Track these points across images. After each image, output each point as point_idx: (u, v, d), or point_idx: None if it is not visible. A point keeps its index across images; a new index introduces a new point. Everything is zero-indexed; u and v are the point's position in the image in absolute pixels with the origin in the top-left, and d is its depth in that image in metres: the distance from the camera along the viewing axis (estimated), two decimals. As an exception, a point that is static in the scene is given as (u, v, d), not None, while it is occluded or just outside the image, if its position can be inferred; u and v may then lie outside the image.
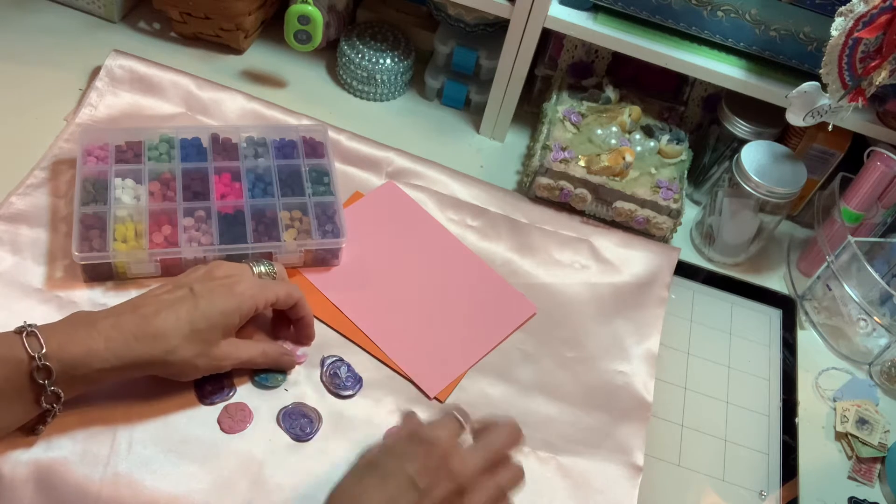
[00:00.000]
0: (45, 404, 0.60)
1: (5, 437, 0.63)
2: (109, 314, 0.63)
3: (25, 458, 0.63)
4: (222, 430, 0.69)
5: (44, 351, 0.59)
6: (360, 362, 0.76)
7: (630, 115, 0.93)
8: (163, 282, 0.69)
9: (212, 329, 0.65)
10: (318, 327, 0.76)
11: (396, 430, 0.63)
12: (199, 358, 0.65)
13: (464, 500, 0.55)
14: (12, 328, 0.60)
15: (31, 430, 0.64)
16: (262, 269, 0.72)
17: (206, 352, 0.65)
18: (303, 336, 0.75)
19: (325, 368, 0.74)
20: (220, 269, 0.69)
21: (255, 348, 0.71)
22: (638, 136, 0.93)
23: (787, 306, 0.93)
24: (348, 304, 0.80)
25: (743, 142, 0.90)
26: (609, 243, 0.90)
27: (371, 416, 0.72)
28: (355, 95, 1.02)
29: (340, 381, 0.74)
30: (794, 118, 0.82)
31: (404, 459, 0.55)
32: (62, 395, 0.61)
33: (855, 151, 0.91)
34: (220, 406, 0.70)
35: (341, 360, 0.75)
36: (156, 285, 0.69)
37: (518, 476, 0.59)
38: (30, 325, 0.60)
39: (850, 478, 0.80)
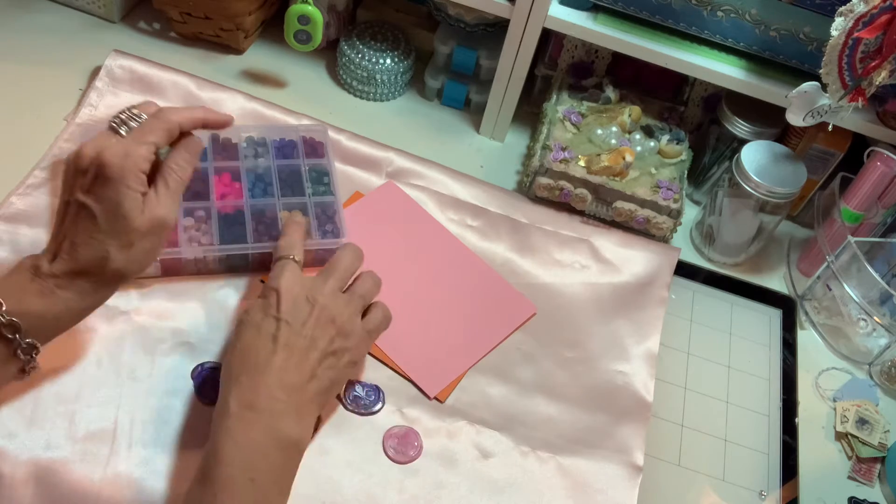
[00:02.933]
0: (23, 356, 0.60)
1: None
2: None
3: (25, 458, 0.63)
4: None
5: (4, 308, 0.58)
6: (360, 362, 0.76)
7: (630, 115, 0.93)
8: (161, 279, 0.69)
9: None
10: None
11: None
12: (99, 200, 0.60)
13: (347, 344, 0.67)
14: None
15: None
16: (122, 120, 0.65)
17: (99, 192, 0.60)
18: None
19: (344, 397, 0.73)
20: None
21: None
22: (638, 136, 0.93)
23: (787, 306, 0.93)
24: (348, 304, 0.80)
25: (743, 142, 0.90)
26: (609, 243, 0.90)
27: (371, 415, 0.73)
28: (355, 95, 1.02)
29: (364, 400, 0.73)
30: (794, 118, 0.82)
31: (300, 324, 0.64)
32: (38, 345, 0.60)
33: (855, 151, 0.91)
34: (220, 406, 0.70)
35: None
36: None
37: (386, 316, 0.72)
38: None
39: (850, 478, 0.80)
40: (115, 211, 0.60)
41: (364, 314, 0.71)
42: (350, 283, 0.72)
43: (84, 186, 0.60)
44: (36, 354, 0.61)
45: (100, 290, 0.62)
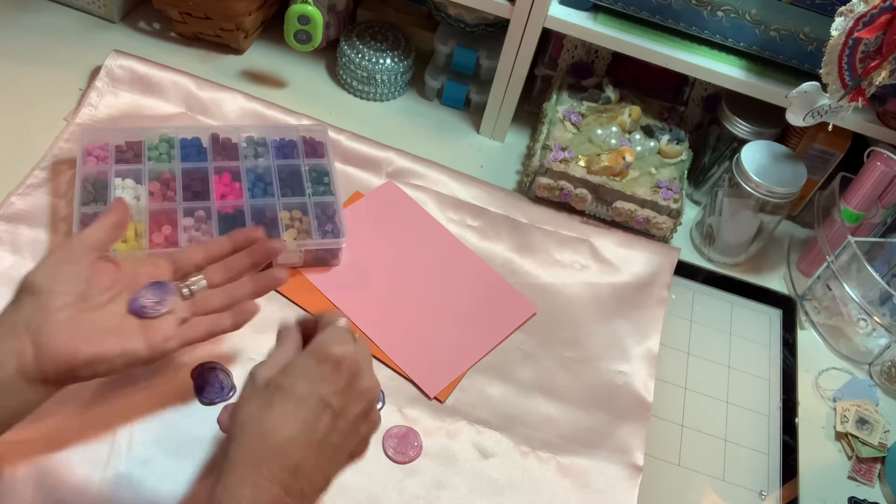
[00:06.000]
0: None
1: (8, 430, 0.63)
2: None
3: (25, 458, 0.63)
4: (222, 430, 0.69)
5: None
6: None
7: (630, 115, 0.93)
8: None
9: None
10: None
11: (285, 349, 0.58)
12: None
13: (370, 416, 0.58)
14: None
15: None
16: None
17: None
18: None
19: None
20: None
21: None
22: (638, 136, 0.93)
23: (787, 306, 0.93)
24: (348, 304, 0.80)
25: (743, 142, 0.90)
26: (609, 243, 0.90)
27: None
28: (355, 95, 1.02)
29: None
30: (794, 118, 0.82)
31: (315, 381, 0.55)
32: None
33: (855, 151, 0.91)
34: (220, 406, 0.70)
35: None
36: None
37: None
38: None
39: (850, 478, 0.80)
40: None
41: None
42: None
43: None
44: None
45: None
